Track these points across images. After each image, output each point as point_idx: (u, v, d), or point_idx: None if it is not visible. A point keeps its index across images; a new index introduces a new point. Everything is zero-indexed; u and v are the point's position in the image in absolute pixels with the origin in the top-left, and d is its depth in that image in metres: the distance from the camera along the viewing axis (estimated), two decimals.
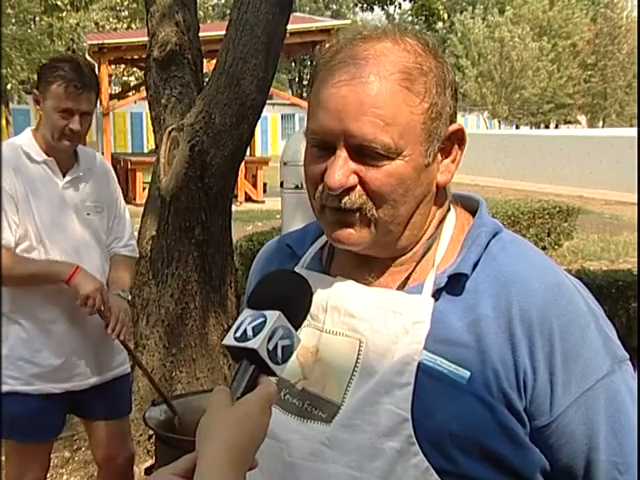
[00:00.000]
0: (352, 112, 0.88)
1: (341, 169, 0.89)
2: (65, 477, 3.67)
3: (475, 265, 0.94)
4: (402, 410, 0.89)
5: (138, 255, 2.72)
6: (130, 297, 2.56)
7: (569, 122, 42.03)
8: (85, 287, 2.29)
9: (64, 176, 2.44)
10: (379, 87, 0.88)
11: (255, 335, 0.80)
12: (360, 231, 0.93)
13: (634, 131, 18.46)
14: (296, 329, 0.83)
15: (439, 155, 0.95)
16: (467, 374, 0.89)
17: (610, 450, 0.91)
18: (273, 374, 0.81)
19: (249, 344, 0.79)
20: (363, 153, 0.89)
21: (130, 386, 2.86)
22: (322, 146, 0.92)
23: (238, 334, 0.81)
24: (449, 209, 1.02)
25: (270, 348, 0.79)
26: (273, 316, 0.81)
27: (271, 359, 0.80)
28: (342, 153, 0.90)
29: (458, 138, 0.96)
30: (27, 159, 2.38)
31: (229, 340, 0.81)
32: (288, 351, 0.81)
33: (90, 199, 2.50)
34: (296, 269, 1.04)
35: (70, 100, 2.30)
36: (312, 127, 0.92)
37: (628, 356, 0.95)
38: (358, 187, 0.90)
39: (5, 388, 2.39)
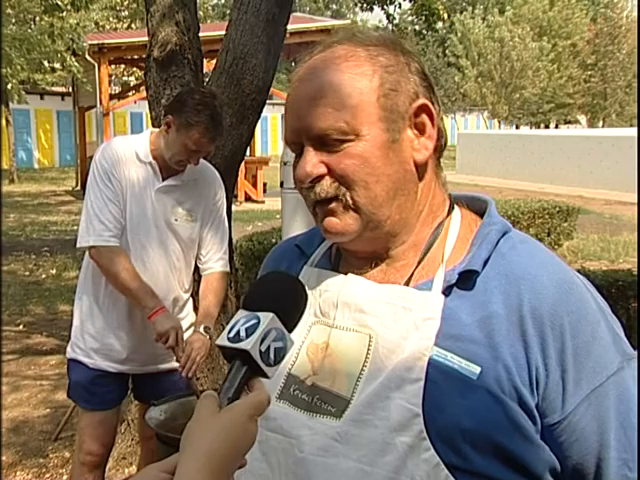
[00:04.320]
0: (305, 108, 0.94)
1: (309, 161, 0.94)
2: (65, 477, 3.68)
3: (485, 263, 0.94)
4: (413, 405, 0.89)
5: (229, 269, 2.79)
6: (212, 331, 2.64)
7: (569, 122, 42.04)
8: (162, 325, 2.47)
9: (164, 180, 2.58)
10: (324, 78, 0.94)
11: (248, 336, 0.79)
12: (343, 219, 0.95)
13: (634, 131, 18.49)
14: (290, 331, 0.83)
15: (410, 132, 0.96)
16: (477, 369, 0.89)
17: (620, 447, 0.91)
18: (265, 376, 0.81)
19: (241, 345, 0.79)
20: (325, 143, 0.94)
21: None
22: (297, 149, 0.98)
23: (231, 334, 0.81)
24: (452, 206, 1.02)
25: (262, 350, 0.79)
26: (266, 318, 0.81)
27: (263, 360, 0.80)
28: (308, 147, 0.95)
29: (427, 114, 0.96)
30: (136, 158, 2.56)
31: (222, 340, 0.81)
32: (280, 353, 0.81)
33: (184, 207, 2.61)
34: (305, 267, 1.06)
35: (201, 146, 2.48)
36: (286, 134, 0.99)
37: (636, 354, 0.95)
38: (327, 175, 0.95)
39: (72, 355, 2.70)
